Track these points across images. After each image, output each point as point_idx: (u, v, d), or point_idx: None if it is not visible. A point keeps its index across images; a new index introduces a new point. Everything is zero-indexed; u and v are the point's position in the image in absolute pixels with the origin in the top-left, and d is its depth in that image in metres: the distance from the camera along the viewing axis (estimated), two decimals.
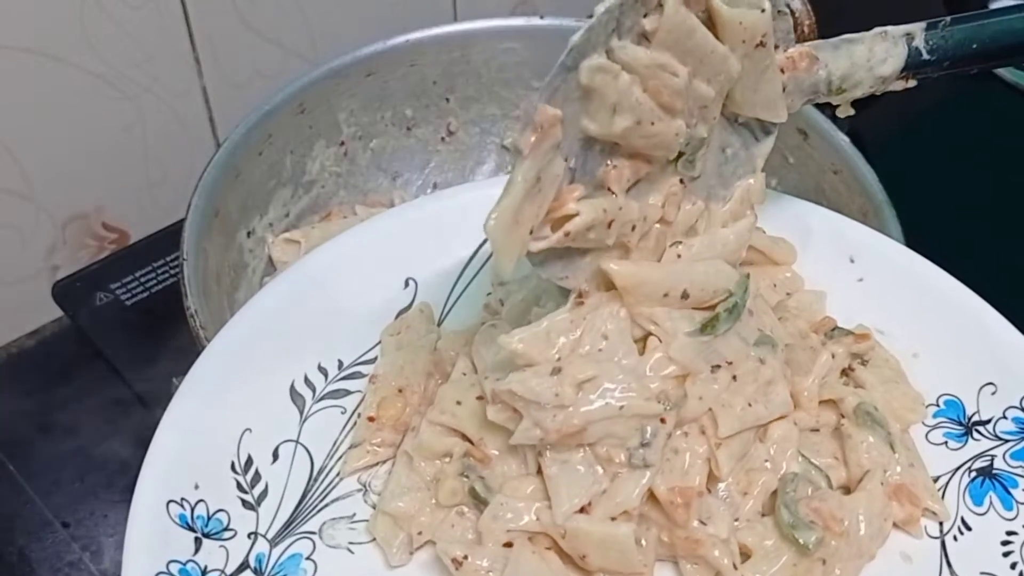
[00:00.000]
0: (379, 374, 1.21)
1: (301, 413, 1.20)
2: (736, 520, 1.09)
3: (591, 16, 0.81)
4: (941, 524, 1.14)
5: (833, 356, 1.20)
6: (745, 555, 1.08)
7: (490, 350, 1.17)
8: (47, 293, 1.80)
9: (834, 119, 1.60)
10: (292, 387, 1.22)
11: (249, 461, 1.16)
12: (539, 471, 1.08)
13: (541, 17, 1.57)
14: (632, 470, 1.06)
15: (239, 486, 1.14)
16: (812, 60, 1.06)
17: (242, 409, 1.18)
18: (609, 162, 0.97)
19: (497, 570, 1.06)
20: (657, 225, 1.13)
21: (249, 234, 1.67)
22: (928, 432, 1.20)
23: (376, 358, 1.24)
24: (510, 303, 1.24)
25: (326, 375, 1.23)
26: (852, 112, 1.19)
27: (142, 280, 1.86)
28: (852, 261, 1.32)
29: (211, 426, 1.16)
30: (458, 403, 1.14)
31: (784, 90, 1.06)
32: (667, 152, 1.00)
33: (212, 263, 1.54)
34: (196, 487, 1.12)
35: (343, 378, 1.23)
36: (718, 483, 1.10)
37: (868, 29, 1.15)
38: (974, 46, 1.07)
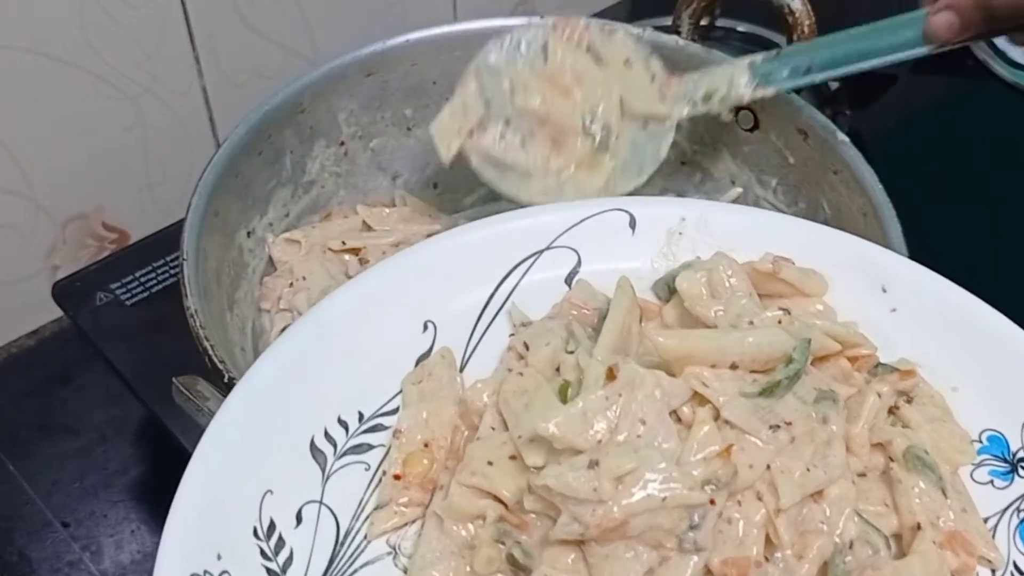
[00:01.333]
0: (403, 428, 1.18)
1: (323, 471, 1.17)
2: None
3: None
4: (993, 572, 1.12)
5: (879, 396, 1.16)
6: None
7: (519, 401, 1.14)
8: (47, 293, 1.77)
9: (834, 119, 1.59)
10: (312, 443, 1.18)
11: (272, 526, 1.13)
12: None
13: (541, 17, 1.51)
14: (683, 555, 1.03)
15: (263, 553, 1.11)
16: (678, 79, 1.43)
17: (262, 469, 1.15)
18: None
19: None
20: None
21: (249, 234, 1.65)
22: (973, 471, 1.17)
23: (398, 408, 1.21)
24: (535, 347, 1.20)
25: (347, 429, 1.20)
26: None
27: (142, 280, 1.83)
28: (884, 291, 1.28)
29: (231, 490, 1.12)
30: (489, 463, 1.10)
31: (664, 99, 1.43)
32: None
33: (212, 263, 1.52)
34: (219, 558, 1.09)
35: (365, 431, 1.20)
36: (774, 551, 1.06)
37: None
38: (805, 68, 1.42)
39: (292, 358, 1.23)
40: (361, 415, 1.21)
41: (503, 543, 1.08)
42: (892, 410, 1.19)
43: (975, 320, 1.25)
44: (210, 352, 1.37)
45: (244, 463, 1.14)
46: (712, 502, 1.03)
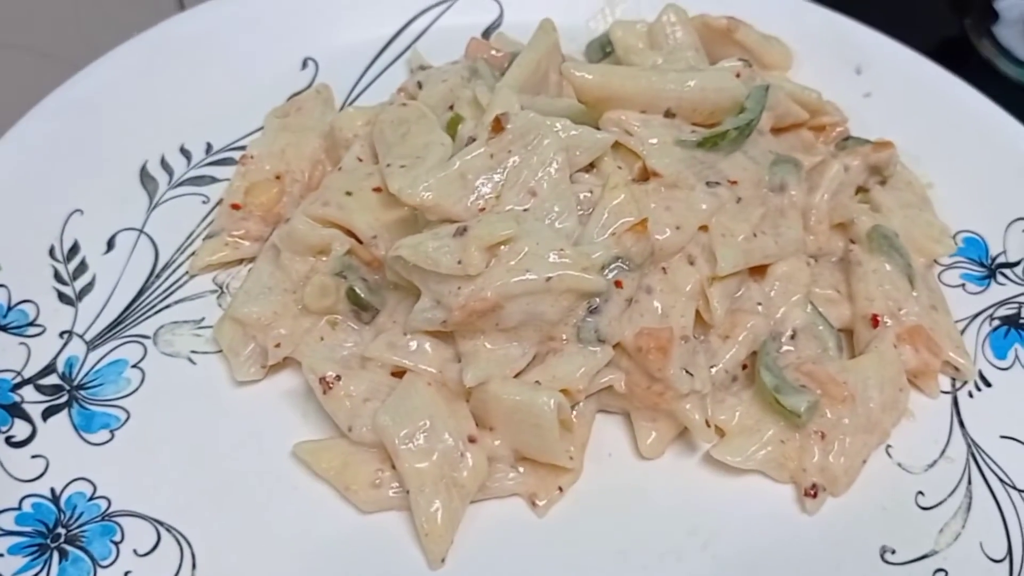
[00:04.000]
0: (253, 154, 0.96)
1: (151, 199, 0.95)
2: (712, 367, 0.84)
3: None
4: (954, 381, 0.89)
5: (847, 169, 0.94)
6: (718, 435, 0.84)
7: (396, 131, 0.91)
8: None
9: None
10: (144, 168, 0.96)
11: (75, 248, 0.91)
12: None
13: None
14: (580, 345, 0.81)
15: (57, 275, 0.89)
16: None
17: (73, 185, 0.93)
18: None
19: (375, 399, 0.81)
20: None
21: None
22: (941, 272, 0.95)
23: None
24: (430, 85, 0.98)
25: (189, 158, 0.98)
26: None
27: None
28: (859, 72, 1.07)
29: (30, 198, 0.91)
30: (348, 194, 0.88)
31: None
32: None
33: None
34: None
35: (211, 163, 0.98)
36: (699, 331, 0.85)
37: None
38: None
39: (139, 66, 1.00)
40: (210, 146, 0.99)
41: (345, 277, 0.85)
42: (861, 191, 0.97)
43: (962, 109, 1.02)
44: None
45: (51, 173, 0.92)
46: (619, 284, 0.81)
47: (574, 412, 0.82)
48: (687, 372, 0.81)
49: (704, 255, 0.85)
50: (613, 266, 0.81)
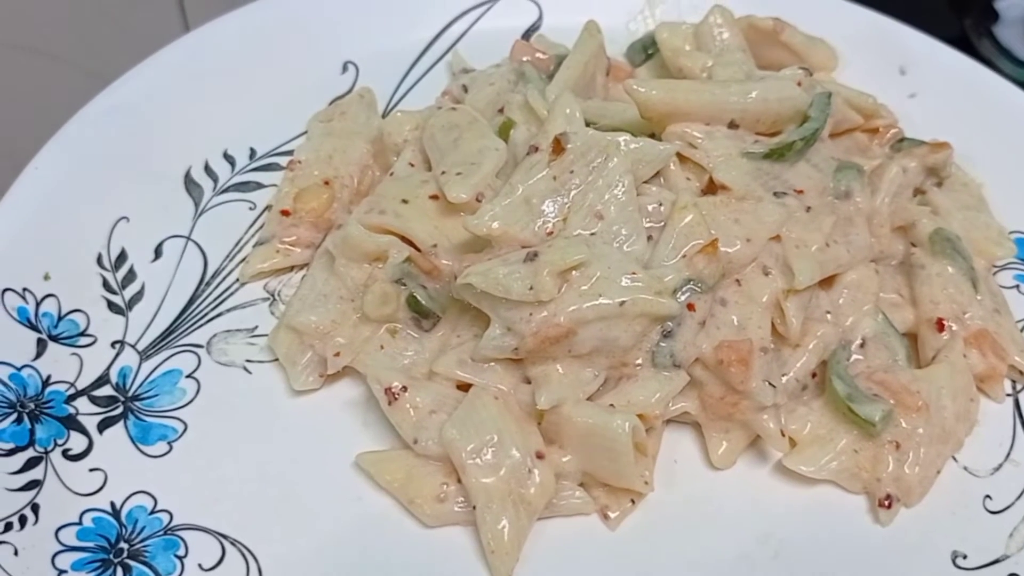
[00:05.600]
0: (301, 159, 0.94)
1: (197, 206, 0.94)
2: (783, 376, 0.82)
3: None
4: (1014, 381, 0.89)
5: (904, 171, 0.93)
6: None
7: (448, 136, 0.90)
8: None
9: None
10: (188, 175, 0.94)
11: (123, 256, 0.89)
12: None
13: None
14: (656, 371, 0.80)
15: (106, 284, 0.87)
16: None
17: (120, 192, 0.91)
18: None
19: (443, 411, 0.79)
20: None
21: None
22: (995, 273, 0.95)
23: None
24: (476, 89, 0.97)
25: (233, 164, 0.96)
26: None
27: None
28: (903, 73, 1.06)
29: (75, 206, 0.89)
30: (404, 202, 0.86)
31: None
32: None
33: None
34: (46, 278, 0.85)
35: (255, 169, 0.97)
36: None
37: None
38: None
39: (182, 70, 0.99)
40: (253, 152, 0.97)
41: (404, 284, 0.84)
42: (918, 193, 0.96)
43: (1008, 108, 1.02)
44: None
45: (96, 180, 0.91)
46: (691, 307, 0.80)
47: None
48: (770, 384, 0.80)
49: (778, 266, 0.84)
50: (685, 288, 0.80)
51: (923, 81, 1.06)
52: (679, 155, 0.87)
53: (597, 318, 0.78)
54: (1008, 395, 0.88)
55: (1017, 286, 0.94)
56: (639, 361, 0.81)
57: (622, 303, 0.77)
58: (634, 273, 0.78)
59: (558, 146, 0.82)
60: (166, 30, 1.55)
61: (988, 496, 0.82)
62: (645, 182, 0.85)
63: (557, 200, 0.82)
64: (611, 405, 0.79)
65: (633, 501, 0.79)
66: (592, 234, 0.81)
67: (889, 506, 0.79)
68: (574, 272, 0.78)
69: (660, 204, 0.84)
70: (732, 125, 0.90)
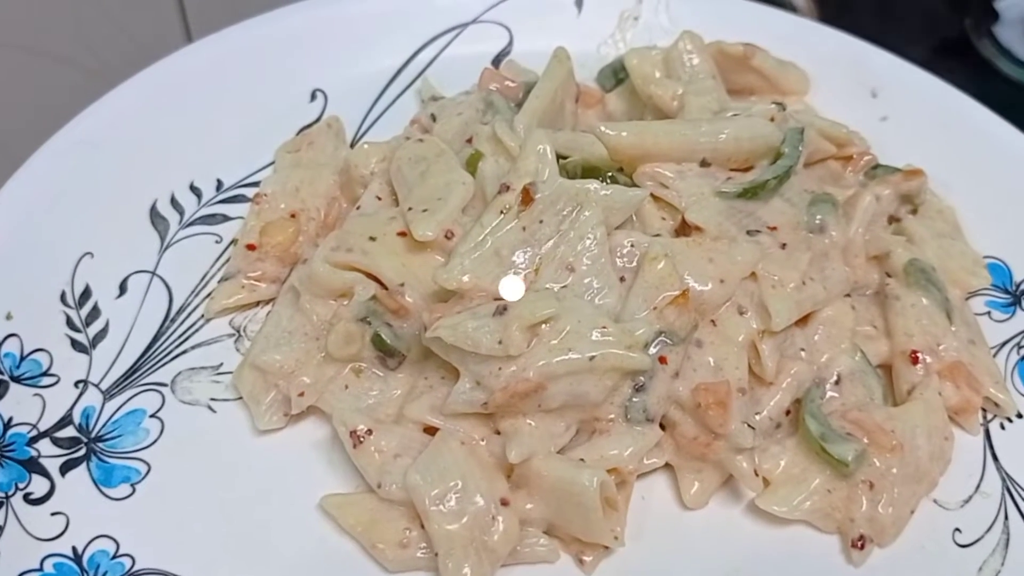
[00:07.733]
0: (267, 192, 0.94)
1: (163, 240, 0.93)
2: (756, 415, 0.82)
3: None
4: (985, 411, 0.88)
5: (878, 199, 0.93)
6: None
7: (415, 169, 0.89)
8: None
9: None
10: (154, 208, 0.94)
11: (87, 292, 0.88)
12: None
13: None
14: (628, 425, 0.79)
15: (69, 322, 0.87)
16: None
17: (84, 228, 0.91)
18: None
19: (408, 455, 0.79)
20: None
21: None
22: (968, 298, 0.94)
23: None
24: (444, 119, 0.97)
25: (200, 196, 0.96)
26: None
27: None
28: (874, 96, 1.06)
29: (38, 242, 0.88)
30: (371, 239, 0.85)
31: None
32: None
33: None
34: (8, 317, 0.85)
35: (222, 201, 0.96)
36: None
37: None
38: None
39: (145, 105, 0.98)
40: (220, 183, 0.97)
41: (369, 322, 0.83)
42: (893, 220, 0.96)
43: (979, 131, 1.01)
44: None
45: (60, 215, 0.90)
46: (663, 360, 0.79)
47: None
48: (748, 426, 0.79)
49: (754, 305, 0.84)
50: (656, 341, 0.79)
51: (894, 104, 1.05)
52: (652, 194, 0.87)
53: (567, 373, 0.77)
54: (980, 424, 0.87)
55: (989, 312, 0.94)
56: (612, 416, 0.80)
57: (592, 358, 0.77)
58: (604, 327, 0.78)
59: (527, 196, 0.82)
60: (166, 30, 1.53)
61: (958, 529, 0.82)
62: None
63: (527, 251, 0.81)
64: (581, 459, 0.78)
65: (607, 546, 0.78)
66: (563, 287, 0.80)
67: (862, 547, 0.79)
68: (544, 326, 0.77)
69: (632, 245, 0.83)
70: (704, 163, 0.90)
